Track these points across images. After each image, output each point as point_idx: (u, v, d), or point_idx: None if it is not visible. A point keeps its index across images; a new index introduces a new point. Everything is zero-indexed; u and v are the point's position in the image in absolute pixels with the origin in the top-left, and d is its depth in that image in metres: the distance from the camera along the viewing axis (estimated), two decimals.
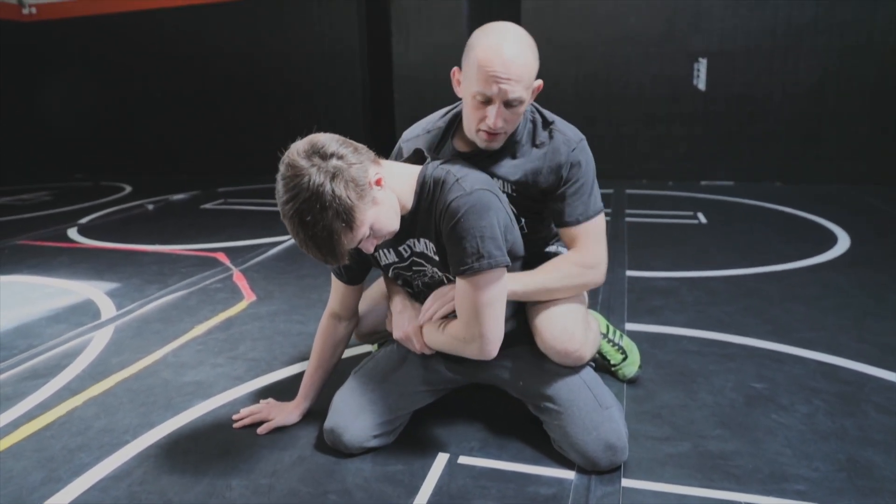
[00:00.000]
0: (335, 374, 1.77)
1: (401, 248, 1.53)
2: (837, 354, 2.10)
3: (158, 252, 3.71)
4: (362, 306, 1.82)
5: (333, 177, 1.23)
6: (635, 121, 5.83)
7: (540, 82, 1.51)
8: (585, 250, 1.59)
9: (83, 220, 4.80)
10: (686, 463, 1.52)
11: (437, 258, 1.48)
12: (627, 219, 4.27)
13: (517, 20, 5.97)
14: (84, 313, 2.72)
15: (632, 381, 1.92)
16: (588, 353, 1.54)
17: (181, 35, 7.03)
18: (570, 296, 1.57)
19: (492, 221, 1.37)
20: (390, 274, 1.62)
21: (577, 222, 1.57)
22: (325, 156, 1.24)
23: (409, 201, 1.44)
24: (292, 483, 1.48)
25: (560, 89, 5.83)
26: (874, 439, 1.60)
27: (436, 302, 1.52)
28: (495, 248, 1.38)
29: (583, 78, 5.86)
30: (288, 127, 6.95)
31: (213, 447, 1.65)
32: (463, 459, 1.56)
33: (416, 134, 1.72)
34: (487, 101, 1.44)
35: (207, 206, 5.19)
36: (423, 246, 1.49)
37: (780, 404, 1.78)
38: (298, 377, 2.04)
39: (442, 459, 1.56)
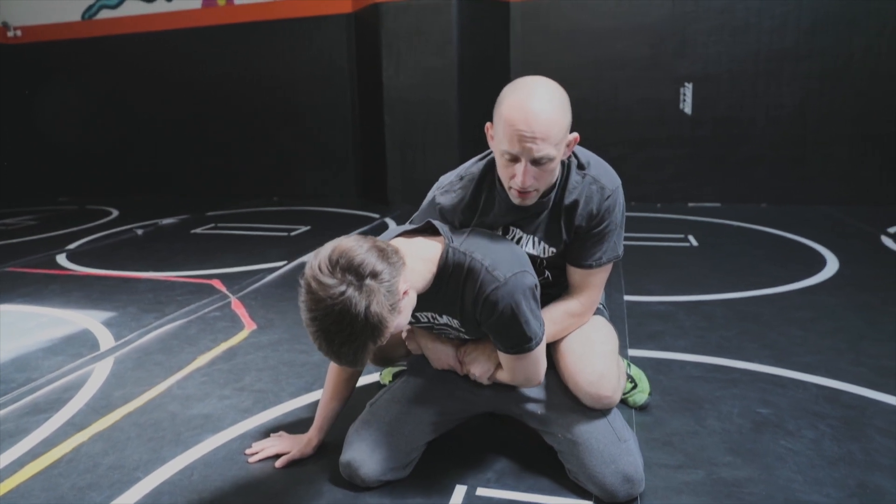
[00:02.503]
0: (348, 405, 1.77)
1: (419, 316, 1.55)
2: (837, 378, 2.14)
3: (152, 279, 3.68)
4: None
5: (368, 301, 1.18)
6: (623, 144, 5.92)
7: (575, 135, 1.48)
8: (586, 297, 1.63)
9: (71, 246, 4.75)
10: (701, 490, 1.54)
11: (462, 330, 1.54)
12: None
13: (507, 44, 6.07)
14: (82, 344, 2.69)
15: (641, 409, 1.95)
16: (618, 397, 1.57)
17: (168, 58, 7.04)
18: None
19: (530, 304, 1.43)
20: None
21: (590, 267, 1.59)
22: (361, 275, 1.19)
23: (427, 281, 1.42)
24: None
25: None
26: (881, 464, 1.64)
27: (477, 367, 1.59)
28: (538, 325, 1.45)
29: (571, 101, 5.94)
30: (278, 150, 6.99)
31: (228, 483, 1.64)
32: (481, 491, 1.57)
33: (450, 182, 1.67)
34: (515, 160, 1.42)
35: (198, 230, 5.17)
36: (446, 320, 1.53)
37: (786, 430, 1.82)
38: (307, 408, 2.04)
39: (460, 492, 1.57)
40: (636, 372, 1.99)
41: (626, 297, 3.08)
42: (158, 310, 3.08)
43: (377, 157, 6.18)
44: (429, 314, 1.53)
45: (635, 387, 1.95)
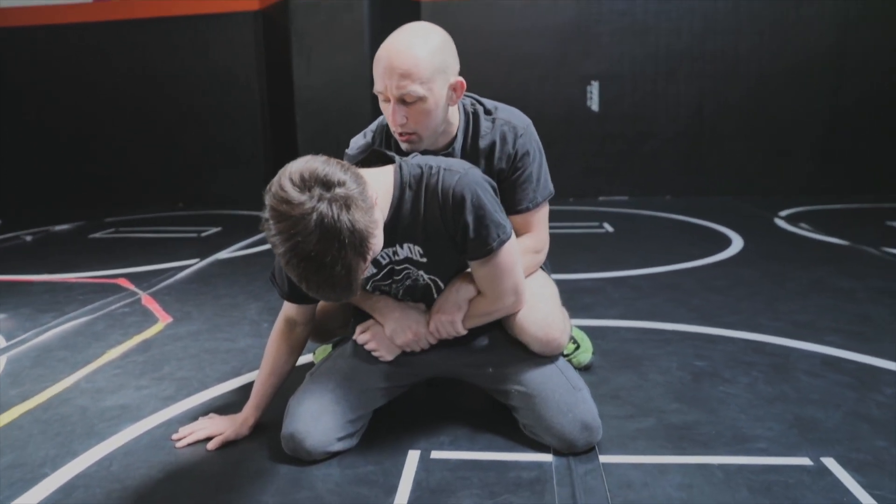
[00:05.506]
0: (287, 383, 1.65)
1: (378, 258, 1.44)
2: (760, 332, 2.25)
3: (49, 281, 3.33)
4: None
5: (347, 206, 1.09)
6: None
7: (460, 80, 1.47)
8: (536, 235, 1.63)
9: None
10: (655, 435, 1.55)
11: (424, 260, 1.43)
12: None
13: None
14: None
15: (586, 369, 1.95)
16: (566, 340, 1.55)
17: (57, 56, 6.49)
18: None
19: (492, 195, 1.37)
20: (368, 287, 1.52)
21: (527, 209, 1.59)
22: (330, 184, 1.09)
23: (387, 204, 1.35)
24: (257, 498, 1.35)
25: None
26: (812, 398, 1.72)
27: (448, 314, 1.46)
28: (503, 218, 1.38)
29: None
30: (181, 153, 6.61)
31: (154, 470, 1.47)
32: (436, 454, 1.50)
33: (359, 143, 1.67)
34: (388, 100, 1.42)
35: (97, 235, 4.77)
36: (407, 251, 1.42)
37: (723, 378, 1.88)
38: (238, 392, 1.90)
39: (414, 456, 1.49)
40: (578, 333, 2.00)
41: (554, 276, 3.10)
42: (57, 309, 2.79)
43: (289, 156, 5.96)
44: (387, 251, 1.42)
45: (578, 347, 1.96)
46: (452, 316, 1.46)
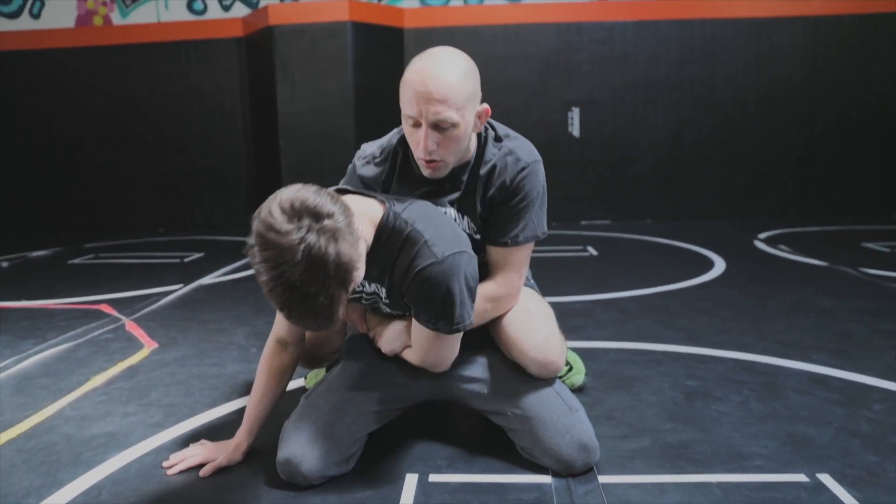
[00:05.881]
0: (278, 406, 1.63)
1: None
2: (747, 352, 2.28)
3: (27, 308, 3.26)
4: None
5: (335, 239, 1.10)
6: None
7: (486, 107, 1.46)
8: (504, 279, 1.54)
9: None
10: (651, 455, 1.56)
11: (387, 301, 1.45)
12: None
13: (401, 70, 6.13)
14: None
15: (579, 390, 1.95)
16: (563, 362, 1.56)
17: (38, 81, 6.44)
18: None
19: (462, 286, 1.35)
20: None
21: (505, 245, 1.53)
22: (319, 216, 1.11)
23: (369, 238, 1.35)
24: None
25: None
26: (802, 416, 1.74)
27: (383, 343, 1.52)
28: (465, 312, 1.38)
29: None
30: (163, 179, 6.55)
31: (145, 500, 1.44)
32: (434, 478, 1.48)
33: (371, 153, 1.63)
34: (417, 124, 1.40)
35: (76, 260, 4.69)
36: (374, 288, 1.45)
37: (715, 397, 1.89)
38: (229, 417, 1.87)
39: (412, 480, 1.48)
40: (570, 355, 2.00)
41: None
42: (37, 336, 2.73)
43: (273, 183, 5.97)
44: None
45: (571, 369, 1.96)
46: (390, 347, 1.51)
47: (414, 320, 1.43)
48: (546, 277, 3.58)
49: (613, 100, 6.02)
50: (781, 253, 4.21)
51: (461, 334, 1.45)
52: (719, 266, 3.83)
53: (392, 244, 1.36)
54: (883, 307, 2.81)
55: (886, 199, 5.93)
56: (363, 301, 1.52)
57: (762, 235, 4.92)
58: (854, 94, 5.83)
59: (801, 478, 1.42)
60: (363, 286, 1.46)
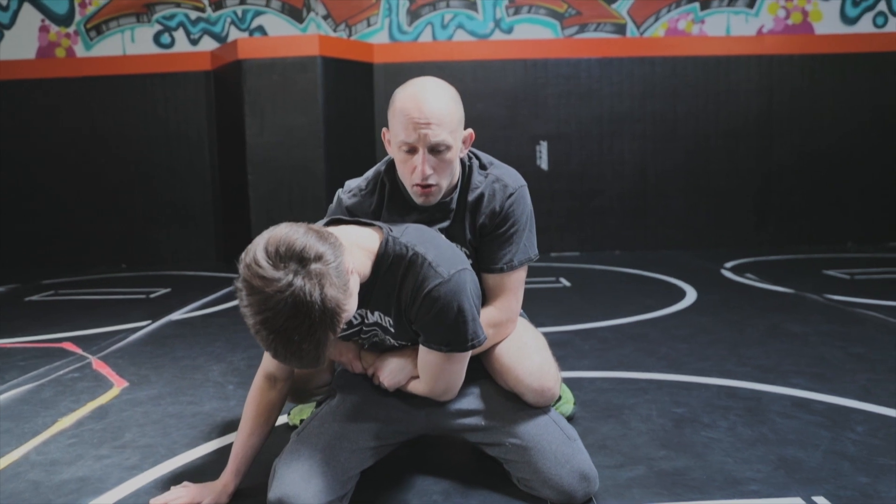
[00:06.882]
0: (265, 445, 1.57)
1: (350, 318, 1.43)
2: (729, 378, 2.31)
3: None
4: None
5: (321, 285, 1.10)
6: None
7: (470, 132, 1.51)
8: (503, 303, 1.56)
9: None
10: (648, 483, 1.55)
11: (393, 330, 1.44)
12: None
13: (371, 104, 6.18)
14: None
15: (569, 420, 1.94)
16: (558, 390, 1.55)
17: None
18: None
19: (470, 302, 1.36)
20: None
21: (501, 270, 1.56)
22: (306, 260, 1.10)
23: (366, 270, 1.34)
24: None
25: None
26: (790, 439, 1.77)
27: (387, 375, 1.48)
28: (478, 327, 1.39)
29: None
30: (127, 213, 6.39)
31: None
32: None
33: (357, 186, 1.65)
34: (413, 150, 1.42)
35: (34, 297, 4.50)
36: (378, 318, 1.43)
37: (703, 423, 1.90)
38: (212, 456, 1.79)
39: None
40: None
41: None
42: None
43: (241, 217, 5.88)
44: (360, 312, 1.42)
45: (559, 399, 1.95)
46: (394, 380, 1.48)
47: (422, 348, 1.41)
48: (524, 308, 3.59)
49: (580, 133, 6.16)
50: (749, 281, 4.32)
51: (468, 358, 1.44)
52: (691, 295, 3.90)
53: (395, 270, 1.35)
54: (851, 331, 2.90)
55: (842, 228, 6.17)
56: (362, 335, 1.49)
57: (728, 264, 5.05)
58: (808, 130, 6.10)
59: (797, 501, 1.43)
60: (363, 317, 1.44)
